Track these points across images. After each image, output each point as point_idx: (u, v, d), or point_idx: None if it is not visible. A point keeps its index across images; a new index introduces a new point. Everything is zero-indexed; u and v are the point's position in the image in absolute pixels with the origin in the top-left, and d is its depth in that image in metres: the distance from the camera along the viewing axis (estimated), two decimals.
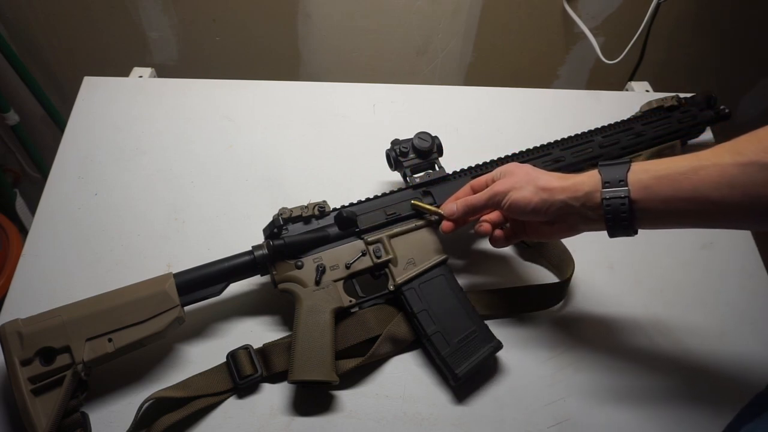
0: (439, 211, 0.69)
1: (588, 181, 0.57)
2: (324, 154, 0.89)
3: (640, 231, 0.62)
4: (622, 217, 0.54)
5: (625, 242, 0.79)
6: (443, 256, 0.70)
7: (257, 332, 0.70)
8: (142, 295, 0.63)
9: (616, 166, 0.56)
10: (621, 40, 1.26)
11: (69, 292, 0.67)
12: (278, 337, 0.68)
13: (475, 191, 0.68)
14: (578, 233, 0.62)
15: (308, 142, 0.90)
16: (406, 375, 0.67)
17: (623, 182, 0.54)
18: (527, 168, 0.63)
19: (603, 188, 0.55)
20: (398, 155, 0.75)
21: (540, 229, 0.64)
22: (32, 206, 1.55)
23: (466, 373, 0.64)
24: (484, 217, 0.68)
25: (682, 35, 1.39)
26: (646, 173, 0.54)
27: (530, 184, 0.60)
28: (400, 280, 0.68)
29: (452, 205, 0.68)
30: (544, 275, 0.76)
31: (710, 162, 0.50)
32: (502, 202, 0.62)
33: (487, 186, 0.67)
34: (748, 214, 0.50)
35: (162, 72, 1.05)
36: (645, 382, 0.67)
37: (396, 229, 0.71)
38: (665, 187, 0.52)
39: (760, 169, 0.47)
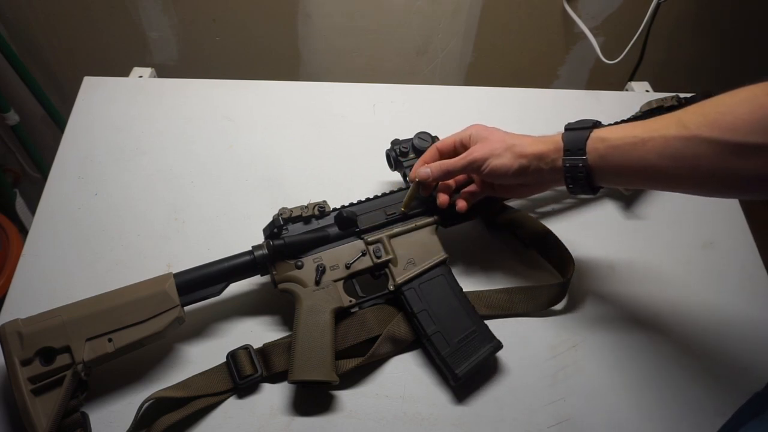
0: (416, 179, 0.69)
1: (553, 148, 0.61)
2: (324, 154, 0.89)
3: (638, 230, 0.70)
4: (580, 181, 0.59)
5: (625, 242, 0.80)
6: (443, 256, 0.70)
7: (257, 332, 0.70)
8: (142, 295, 0.63)
9: (578, 131, 0.60)
10: (621, 40, 1.26)
11: (69, 292, 0.67)
12: (278, 337, 0.68)
13: (441, 153, 0.71)
14: (546, 191, 0.73)
15: (308, 142, 0.90)
16: (406, 375, 0.67)
17: (582, 151, 0.58)
18: (500, 133, 0.66)
19: (564, 156, 0.59)
20: (398, 155, 0.75)
21: (513, 189, 0.69)
22: (32, 206, 1.55)
23: (466, 373, 0.64)
24: (445, 184, 0.71)
25: (682, 35, 1.39)
26: (602, 143, 0.57)
27: (508, 151, 0.63)
28: (400, 280, 0.68)
29: (425, 169, 0.69)
30: (544, 275, 0.76)
31: (658, 133, 0.53)
32: (481, 167, 0.65)
33: (455, 148, 0.70)
34: (691, 183, 0.53)
35: (162, 72, 1.05)
36: (645, 381, 0.67)
37: (396, 229, 0.71)
38: (617, 157, 0.56)
39: (700, 143, 0.50)
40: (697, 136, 0.50)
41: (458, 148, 0.69)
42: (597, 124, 0.61)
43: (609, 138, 0.57)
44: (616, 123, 0.83)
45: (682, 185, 0.54)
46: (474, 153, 0.65)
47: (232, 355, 0.66)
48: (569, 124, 0.61)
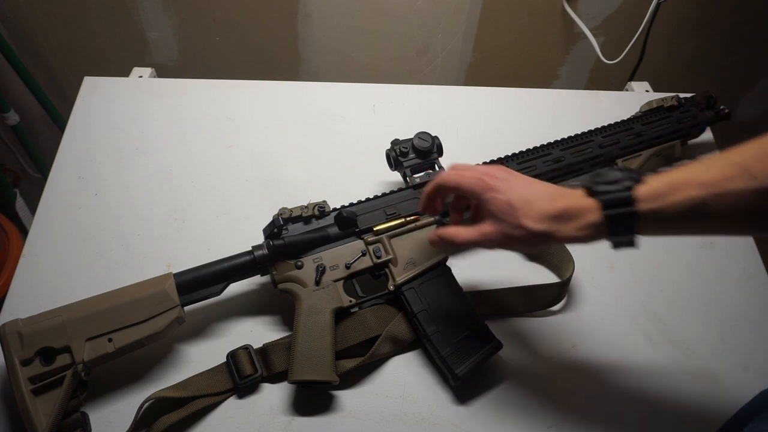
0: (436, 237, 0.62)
1: (593, 234, 0.52)
2: (324, 154, 0.89)
3: None
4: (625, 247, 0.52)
5: None
6: (443, 256, 0.70)
7: (257, 332, 0.70)
8: (142, 295, 0.63)
9: (622, 223, 0.50)
10: (621, 40, 1.26)
11: (69, 292, 0.67)
12: (278, 337, 0.68)
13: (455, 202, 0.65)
14: None
15: (308, 142, 0.90)
16: (406, 375, 0.67)
17: (630, 236, 0.50)
18: (519, 208, 0.53)
19: (612, 243, 0.52)
20: (398, 155, 0.75)
21: None
22: (32, 206, 1.55)
23: (466, 373, 0.64)
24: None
25: (682, 35, 1.39)
26: (655, 226, 0.49)
27: (526, 242, 0.54)
28: (400, 280, 0.68)
29: (435, 239, 0.61)
30: (544, 275, 0.76)
31: (721, 189, 0.46)
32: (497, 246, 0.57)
33: (466, 198, 0.62)
34: (759, 232, 0.48)
35: (162, 72, 1.05)
36: (645, 382, 0.67)
37: (396, 229, 0.71)
38: (676, 226, 0.49)
39: None
40: None
41: (472, 197, 0.59)
42: (631, 190, 0.49)
43: (665, 214, 0.48)
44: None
45: (752, 233, 0.50)
46: (488, 235, 0.56)
47: (232, 355, 0.66)
48: (603, 200, 0.50)
